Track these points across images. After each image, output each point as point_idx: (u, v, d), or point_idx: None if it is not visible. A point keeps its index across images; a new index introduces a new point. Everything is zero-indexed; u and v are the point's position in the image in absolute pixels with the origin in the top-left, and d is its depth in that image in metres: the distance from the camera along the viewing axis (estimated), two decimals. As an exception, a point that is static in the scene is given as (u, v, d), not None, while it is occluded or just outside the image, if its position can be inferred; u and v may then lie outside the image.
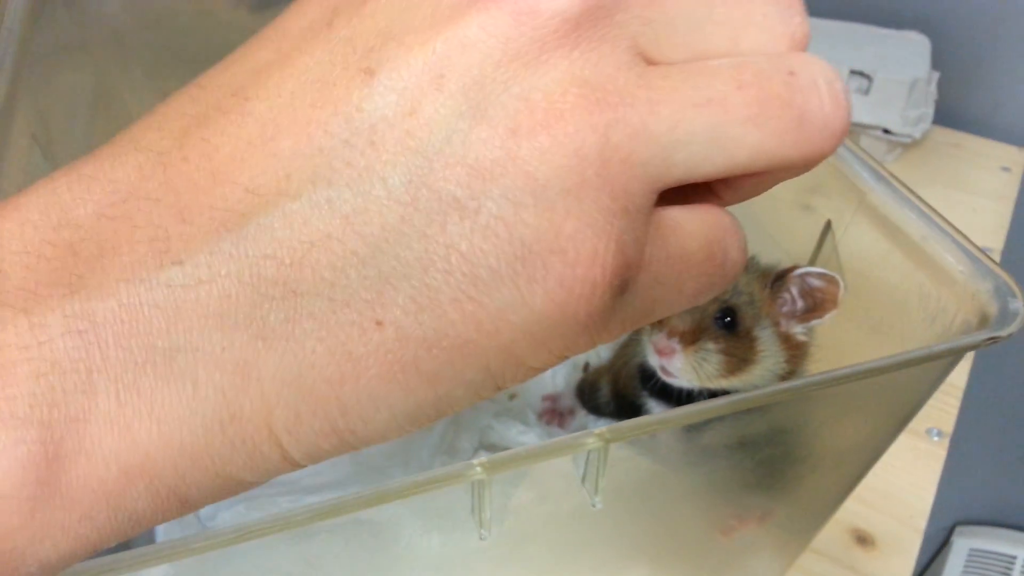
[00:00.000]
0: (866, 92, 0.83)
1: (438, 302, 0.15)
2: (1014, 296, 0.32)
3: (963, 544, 1.21)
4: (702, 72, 0.16)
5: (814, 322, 0.39)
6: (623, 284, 0.16)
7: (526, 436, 0.49)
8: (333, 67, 0.16)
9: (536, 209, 0.15)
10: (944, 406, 0.65)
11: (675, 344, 0.39)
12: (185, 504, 0.17)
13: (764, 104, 0.16)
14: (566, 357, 0.17)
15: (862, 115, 0.83)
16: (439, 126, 0.15)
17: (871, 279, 0.39)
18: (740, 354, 0.39)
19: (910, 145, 0.87)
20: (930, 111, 0.86)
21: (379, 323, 0.15)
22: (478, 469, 0.25)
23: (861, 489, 0.59)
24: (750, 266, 0.42)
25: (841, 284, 0.38)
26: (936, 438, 0.62)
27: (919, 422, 0.63)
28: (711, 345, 0.39)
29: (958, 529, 1.24)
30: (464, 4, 0.15)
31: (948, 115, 0.94)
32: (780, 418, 0.33)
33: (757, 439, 0.34)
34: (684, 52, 0.16)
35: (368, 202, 0.15)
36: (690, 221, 0.18)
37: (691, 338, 0.38)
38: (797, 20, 0.17)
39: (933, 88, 0.88)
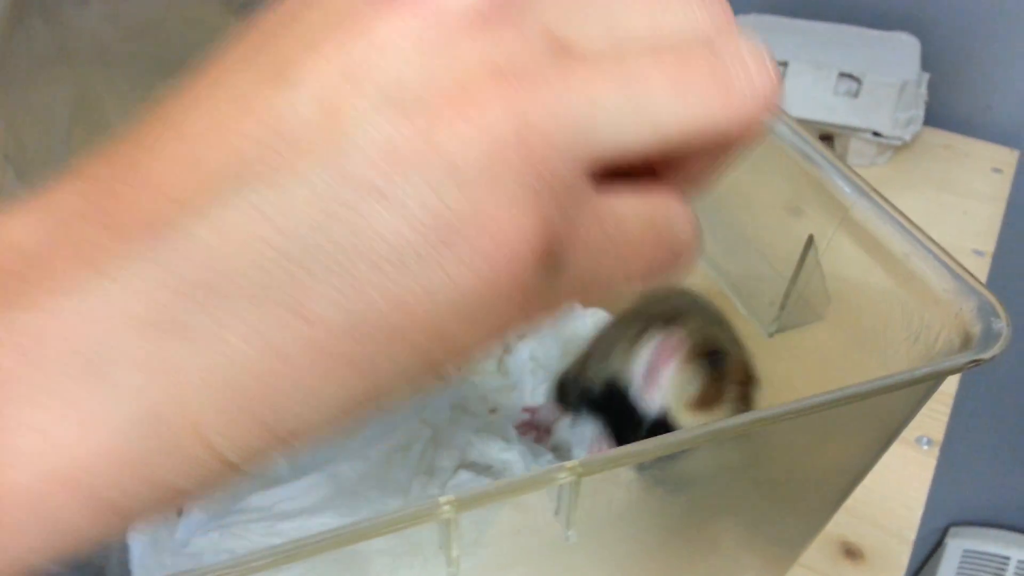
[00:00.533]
0: (855, 95, 0.83)
1: (366, 292, 0.15)
2: (997, 316, 0.32)
3: (957, 545, 1.21)
4: (619, 51, 0.17)
5: None
6: (552, 258, 0.16)
7: (507, 453, 0.48)
8: (259, 83, 0.16)
9: (457, 192, 0.15)
10: (934, 414, 0.65)
11: (674, 353, 0.40)
12: (121, 514, 0.16)
13: (684, 74, 0.16)
14: (502, 334, 0.17)
15: (851, 118, 0.82)
16: (357, 122, 0.15)
17: (854, 295, 0.39)
18: (711, 396, 0.40)
19: (900, 147, 0.87)
20: (920, 113, 0.86)
21: (307, 319, 0.15)
22: (446, 508, 0.24)
23: (849, 501, 0.59)
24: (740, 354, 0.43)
25: None
26: (926, 447, 0.62)
27: (909, 431, 0.62)
28: (700, 372, 0.40)
29: (952, 530, 1.24)
30: (376, 9, 0.16)
31: (939, 116, 0.94)
32: (760, 444, 0.33)
33: (737, 465, 0.34)
34: (601, 39, 0.17)
35: (290, 199, 0.15)
36: (632, 201, 0.18)
37: (688, 356, 0.40)
38: (716, 8, 0.18)
39: (923, 90, 0.87)
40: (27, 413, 0.15)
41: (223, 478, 0.17)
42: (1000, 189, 0.86)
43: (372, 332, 0.16)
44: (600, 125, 0.16)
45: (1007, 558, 1.17)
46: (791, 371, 0.45)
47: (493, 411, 0.54)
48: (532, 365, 0.59)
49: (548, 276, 0.17)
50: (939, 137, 0.92)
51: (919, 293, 0.34)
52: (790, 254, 0.44)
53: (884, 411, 0.34)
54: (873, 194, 0.36)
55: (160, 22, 0.80)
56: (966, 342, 0.32)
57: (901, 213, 0.36)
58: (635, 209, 0.18)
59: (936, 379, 0.30)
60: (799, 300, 0.43)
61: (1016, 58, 0.91)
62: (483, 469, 0.48)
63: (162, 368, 0.15)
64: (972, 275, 0.33)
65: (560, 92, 0.16)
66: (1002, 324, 0.31)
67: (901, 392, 0.30)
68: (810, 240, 0.40)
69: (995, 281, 0.78)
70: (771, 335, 0.44)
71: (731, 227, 0.48)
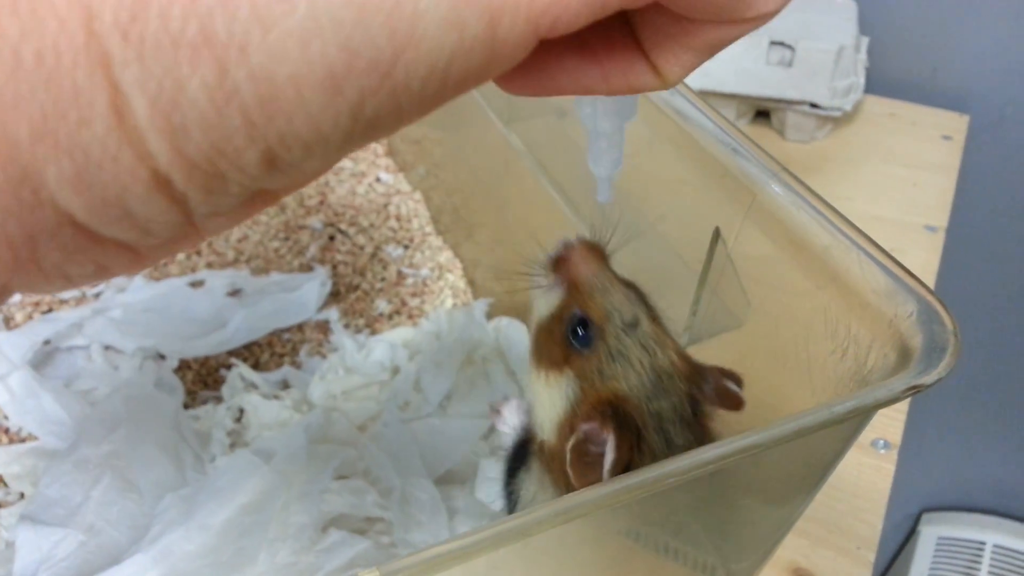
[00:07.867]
0: (789, 64, 0.76)
1: None
2: (942, 324, 0.24)
3: (931, 532, 1.15)
4: None
5: None
6: None
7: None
8: None
9: None
10: (891, 411, 0.58)
11: None
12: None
13: None
14: None
15: (786, 90, 0.75)
16: None
17: (771, 299, 0.32)
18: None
19: (841, 119, 0.80)
20: (861, 80, 0.79)
21: None
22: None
23: (801, 521, 0.52)
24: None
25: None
26: (883, 450, 0.55)
27: (863, 434, 0.55)
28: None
29: (925, 516, 1.18)
30: None
31: (882, 83, 0.87)
32: (650, 507, 0.25)
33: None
34: None
35: None
36: None
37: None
38: None
39: (863, 55, 0.81)
40: None
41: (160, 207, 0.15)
42: (951, 157, 0.80)
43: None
44: None
45: (982, 543, 1.11)
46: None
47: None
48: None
49: None
50: (883, 105, 0.86)
51: (843, 295, 0.27)
52: (702, 248, 0.37)
53: (802, 452, 0.27)
54: (783, 175, 0.29)
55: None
56: (904, 357, 0.25)
57: (818, 196, 0.28)
58: None
59: (863, 415, 0.23)
60: (714, 303, 0.36)
61: (962, 16, 0.85)
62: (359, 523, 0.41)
63: None
64: (908, 271, 0.26)
65: None
66: (948, 333, 0.24)
67: (822, 432, 0.23)
68: (716, 233, 0.33)
69: (951, 258, 0.71)
70: (684, 347, 0.37)
71: (634, 215, 0.40)
